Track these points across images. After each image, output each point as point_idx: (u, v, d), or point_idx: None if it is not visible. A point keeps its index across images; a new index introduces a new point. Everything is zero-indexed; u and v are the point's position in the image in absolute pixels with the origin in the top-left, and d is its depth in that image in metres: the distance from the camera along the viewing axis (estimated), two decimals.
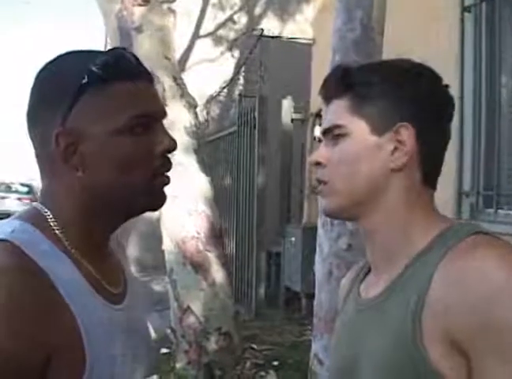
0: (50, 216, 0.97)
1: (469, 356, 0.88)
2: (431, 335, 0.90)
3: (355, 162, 1.04)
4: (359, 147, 1.04)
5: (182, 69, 9.43)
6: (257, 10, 11.15)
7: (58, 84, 0.98)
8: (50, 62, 1.02)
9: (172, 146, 1.00)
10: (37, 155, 1.01)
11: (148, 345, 1.09)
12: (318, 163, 1.09)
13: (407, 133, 1.03)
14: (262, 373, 4.75)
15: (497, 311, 0.86)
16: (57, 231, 0.96)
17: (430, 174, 1.06)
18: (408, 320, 0.93)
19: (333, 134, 1.06)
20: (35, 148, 1.00)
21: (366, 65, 1.12)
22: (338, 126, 1.05)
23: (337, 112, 1.07)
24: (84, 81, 0.95)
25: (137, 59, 1.00)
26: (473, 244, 0.94)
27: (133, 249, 10.19)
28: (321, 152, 1.09)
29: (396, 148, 1.03)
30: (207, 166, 5.07)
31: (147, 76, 1.01)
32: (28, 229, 0.94)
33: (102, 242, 1.03)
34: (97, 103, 0.96)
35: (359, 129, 1.04)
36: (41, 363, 0.85)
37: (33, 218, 0.97)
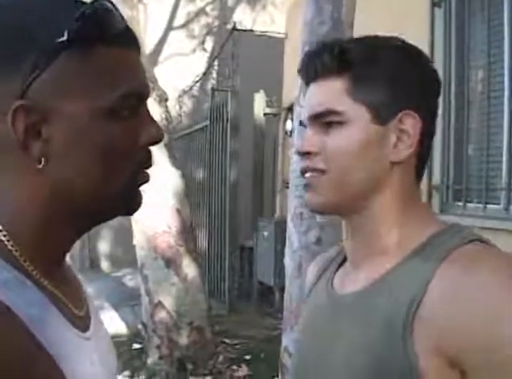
0: (0, 228, 0.73)
1: (465, 371, 0.81)
2: (423, 344, 0.82)
3: (356, 153, 0.91)
4: (360, 137, 0.91)
5: (155, 63, 9.37)
6: (230, 1, 11.12)
7: (18, 37, 0.70)
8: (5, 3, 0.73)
9: (160, 136, 0.78)
10: None
11: (114, 375, 0.91)
12: (308, 153, 0.94)
13: (411, 123, 0.91)
14: (234, 367, 4.75)
15: (498, 330, 0.79)
16: (11, 248, 0.72)
17: (422, 167, 0.97)
18: (399, 323, 0.84)
19: (326, 120, 0.92)
20: None
21: (364, 41, 0.95)
22: (335, 112, 0.91)
23: (332, 95, 0.92)
24: (62, 39, 0.69)
25: (123, 19, 0.75)
26: (474, 254, 0.86)
27: (104, 244, 10.11)
28: (312, 141, 0.94)
29: (399, 139, 0.91)
30: (179, 160, 5.05)
31: (136, 43, 0.77)
32: None
33: (62, 257, 0.80)
34: (77, 72, 0.71)
35: (359, 116, 0.91)
36: None
37: None
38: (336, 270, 1.04)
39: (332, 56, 0.92)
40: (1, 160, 0.74)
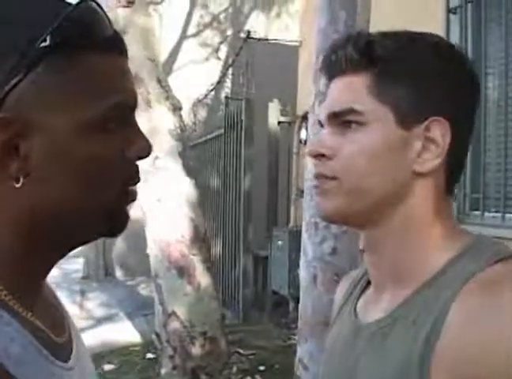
0: None
1: None
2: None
3: (375, 159, 0.82)
4: (381, 141, 0.81)
5: (169, 71, 9.39)
6: (244, 9, 11.13)
7: None
8: None
9: (148, 149, 0.72)
10: None
11: None
12: (320, 155, 0.85)
13: (440, 131, 0.82)
14: (248, 378, 4.71)
15: None
16: None
17: (454, 179, 0.87)
18: (415, 356, 0.77)
19: (345, 120, 0.83)
20: None
21: (394, 36, 0.85)
22: (355, 112, 0.82)
23: (353, 93, 0.83)
24: (44, 44, 0.62)
25: (109, 21, 0.69)
26: (496, 279, 0.76)
27: (119, 253, 10.11)
28: (327, 142, 0.85)
29: (424, 148, 0.82)
30: (193, 169, 5.03)
31: (125, 48, 0.71)
32: None
33: (41, 282, 0.73)
34: (60, 80, 0.64)
35: (381, 117, 0.82)
36: None
37: None
38: (361, 293, 0.96)
39: (356, 49, 0.83)
40: None
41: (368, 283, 0.95)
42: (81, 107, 0.65)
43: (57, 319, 0.76)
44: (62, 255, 0.73)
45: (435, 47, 0.84)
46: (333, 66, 0.86)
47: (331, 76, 0.87)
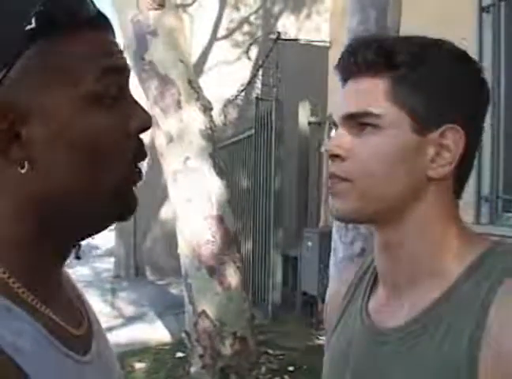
0: None
1: None
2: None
3: (390, 163, 0.83)
4: (396, 145, 0.82)
5: (200, 72, 9.45)
6: (274, 11, 11.14)
7: None
8: None
9: (149, 120, 0.71)
10: None
11: None
12: (335, 156, 0.86)
13: (454, 138, 0.83)
14: None
15: None
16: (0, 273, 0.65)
17: (463, 182, 0.89)
18: (462, 362, 0.76)
19: (361, 122, 0.84)
20: None
21: (412, 41, 0.85)
22: (371, 115, 0.83)
23: (371, 96, 0.83)
24: (30, 26, 0.63)
25: (93, 3, 0.69)
26: None
27: (149, 253, 10.20)
28: (344, 143, 0.85)
29: (438, 154, 0.83)
30: (224, 169, 5.05)
31: (110, 27, 0.72)
32: None
33: (55, 272, 0.72)
34: (50, 61, 0.64)
35: (398, 122, 0.82)
36: None
37: None
38: (370, 292, 0.95)
39: (375, 53, 0.83)
40: None
41: (374, 281, 0.95)
42: (73, 82, 0.65)
43: (74, 312, 0.74)
44: (75, 243, 0.72)
45: (452, 54, 0.86)
46: (350, 67, 0.86)
47: (348, 77, 0.87)
